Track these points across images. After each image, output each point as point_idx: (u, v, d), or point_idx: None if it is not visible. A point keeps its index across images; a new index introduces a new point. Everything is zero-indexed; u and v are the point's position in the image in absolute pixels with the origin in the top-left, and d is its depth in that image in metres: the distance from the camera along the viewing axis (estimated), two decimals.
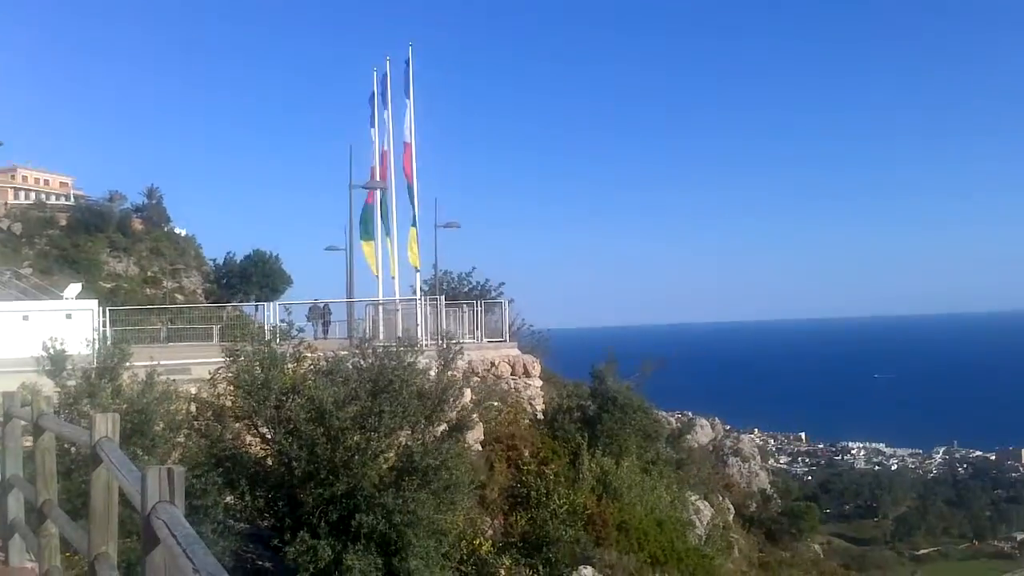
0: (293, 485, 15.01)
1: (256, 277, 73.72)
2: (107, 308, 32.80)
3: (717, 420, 63.68)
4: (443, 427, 16.51)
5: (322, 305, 42.64)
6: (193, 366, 21.53)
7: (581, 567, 21.76)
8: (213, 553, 4.17)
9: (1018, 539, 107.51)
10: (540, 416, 31.65)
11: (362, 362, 16.45)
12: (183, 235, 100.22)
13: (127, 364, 14.26)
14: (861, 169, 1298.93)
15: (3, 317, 31.02)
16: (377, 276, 40.14)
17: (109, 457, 6.56)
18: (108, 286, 75.05)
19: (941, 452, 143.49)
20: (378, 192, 40.11)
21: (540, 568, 21.46)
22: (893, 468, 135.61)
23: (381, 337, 30.57)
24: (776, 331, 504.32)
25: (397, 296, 37.48)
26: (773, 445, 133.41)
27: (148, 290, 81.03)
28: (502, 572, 20.07)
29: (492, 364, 31.35)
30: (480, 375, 29.48)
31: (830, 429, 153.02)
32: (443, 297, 35.18)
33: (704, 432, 58.06)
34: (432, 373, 16.95)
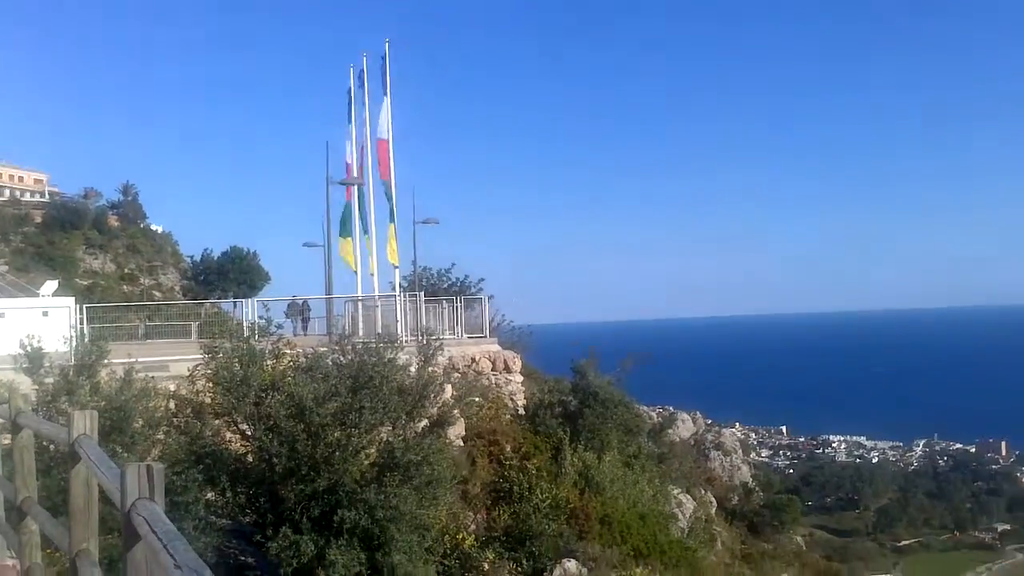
0: (274, 481, 14.97)
1: (234, 274, 73.34)
2: (84, 305, 32.53)
3: (699, 414, 63.69)
4: (424, 423, 16.50)
5: (301, 302, 42.55)
6: (172, 363, 21.42)
7: (564, 560, 21.76)
8: (195, 549, 4.12)
9: (998, 530, 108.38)
10: (522, 411, 31.67)
11: (342, 358, 16.42)
12: (160, 232, 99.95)
13: (105, 361, 14.21)
14: (860, 159, 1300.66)
15: None
16: (356, 273, 40.09)
17: (88, 454, 6.50)
18: (85, 283, 74.70)
19: (922, 445, 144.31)
20: (355, 189, 40.03)
21: (523, 562, 21.47)
22: (874, 461, 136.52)
23: (361, 334, 30.50)
24: (768, 326, 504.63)
25: (376, 292, 37.41)
26: (755, 439, 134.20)
27: (125, 287, 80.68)
28: (485, 566, 20.07)
29: (473, 360, 31.34)
30: (461, 371, 29.46)
31: (811, 423, 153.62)
32: (423, 293, 35.12)
33: (686, 426, 58.08)
34: (412, 369, 16.93)
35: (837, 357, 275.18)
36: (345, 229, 40.68)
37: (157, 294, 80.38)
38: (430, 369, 17.21)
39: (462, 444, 23.80)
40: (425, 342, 18.00)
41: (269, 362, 16.21)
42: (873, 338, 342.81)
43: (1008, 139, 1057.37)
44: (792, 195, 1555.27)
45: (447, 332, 32.93)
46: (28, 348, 13.84)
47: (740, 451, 63.84)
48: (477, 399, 26.51)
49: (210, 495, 14.79)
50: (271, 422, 14.68)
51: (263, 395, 15.12)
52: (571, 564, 21.73)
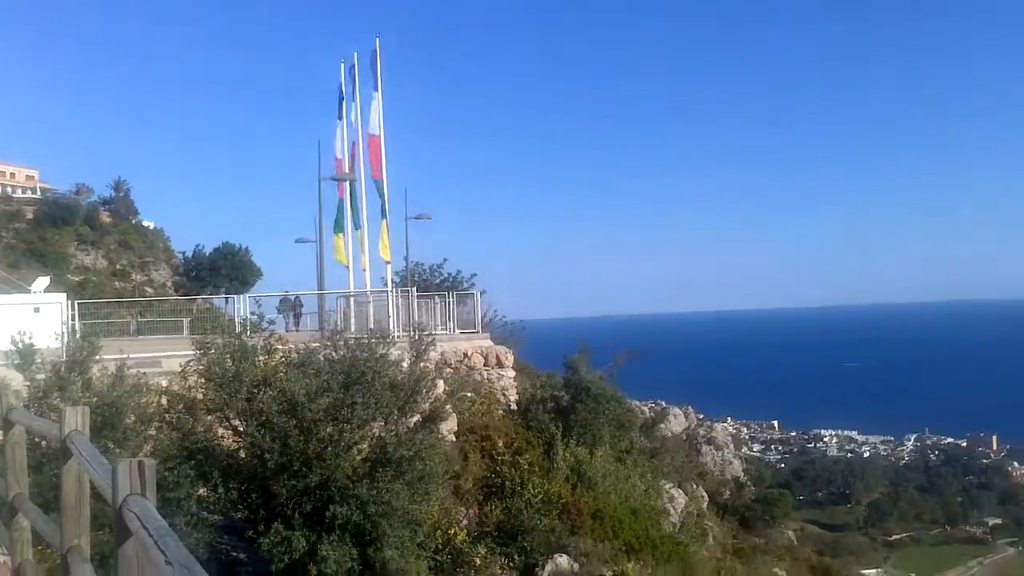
0: (266, 477, 14.96)
1: (226, 270, 73.18)
2: (76, 301, 32.43)
3: (690, 409, 63.78)
4: (416, 418, 16.50)
5: (293, 297, 42.54)
6: (163, 359, 21.39)
7: (556, 556, 21.77)
8: (186, 545, 4.14)
9: (989, 524, 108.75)
10: (514, 407, 31.66)
11: (334, 354, 16.41)
12: (151, 228, 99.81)
13: (97, 357, 14.19)
14: (859, 156, 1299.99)
15: None
16: (348, 268, 40.11)
17: (80, 450, 6.50)
18: (76, 279, 74.61)
19: (913, 439, 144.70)
20: (347, 185, 40.03)
21: (515, 557, 21.47)
22: (865, 455, 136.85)
23: (353, 329, 30.50)
24: (767, 320, 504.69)
25: (368, 288, 37.40)
26: (746, 433, 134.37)
27: (117, 283, 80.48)
28: (477, 561, 20.09)
29: (465, 355, 31.33)
30: (453, 366, 29.43)
31: (802, 417, 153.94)
32: (415, 289, 35.11)
33: (677, 421, 58.14)
34: (404, 364, 16.92)
35: (827, 352, 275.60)
36: (338, 225, 40.73)
37: (149, 290, 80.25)
38: (422, 364, 17.20)
39: (454, 439, 23.80)
40: (417, 337, 17.99)
41: (261, 358, 16.21)
42: (869, 332, 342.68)
43: (1008, 137, 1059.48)
44: (790, 192, 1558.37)
45: (439, 327, 32.95)
46: (20, 344, 13.83)
47: (732, 446, 63.98)
48: (469, 394, 26.48)
49: (202, 491, 14.78)
50: (263, 418, 14.68)
51: (255, 391, 15.12)
52: (563, 559, 21.75)
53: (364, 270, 39.18)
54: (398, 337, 23.01)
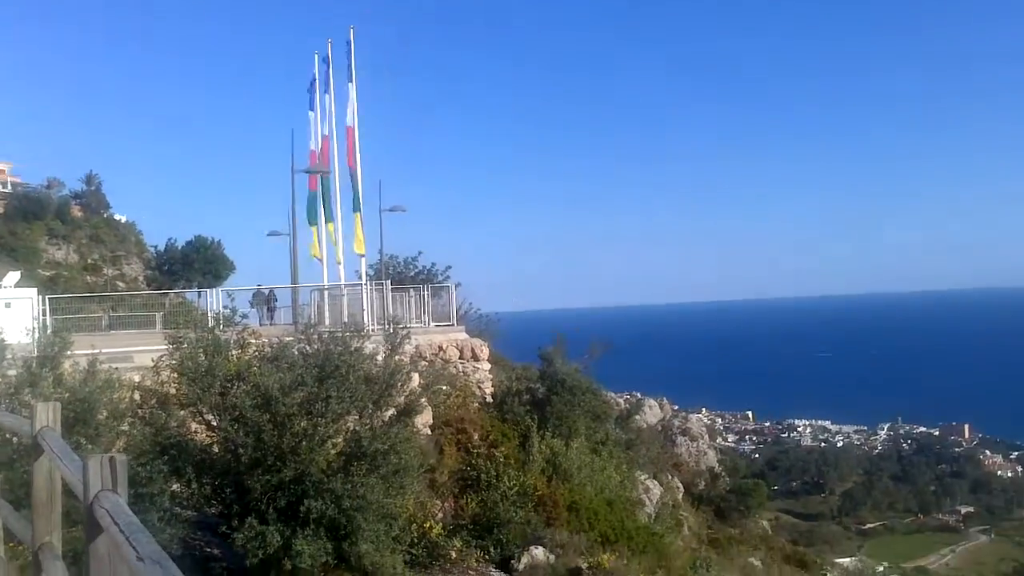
0: (240, 472, 14.89)
1: (198, 263, 72.78)
2: (47, 296, 32.28)
3: (665, 400, 64.02)
4: (391, 412, 16.46)
5: (266, 291, 42.36)
6: (136, 354, 21.27)
7: (532, 547, 21.79)
8: (159, 541, 4.11)
9: (962, 512, 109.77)
10: (489, 399, 31.67)
11: (308, 348, 16.35)
12: (123, 222, 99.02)
13: (68, 353, 14.08)
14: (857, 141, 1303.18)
15: None
16: (322, 261, 39.99)
17: (51, 447, 6.46)
18: (47, 274, 74.00)
19: (886, 428, 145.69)
20: (320, 177, 39.89)
21: (491, 549, 21.49)
22: (839, 445, 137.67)
23: (327, 322, 30.43)
24: (766, 311, 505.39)
25: (342, 281, 37.30)
26: (721, 424, 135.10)
27: (88, 278, 79.93)
28: (453, 554, 20.09)
29: (440, 348, 31.31)
30: (428, 359, 29.41)
31: (776, 408, 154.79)
32: (389, 282, 35.05)
33: (653, 412, 58.27)
34: (379, 358, 16.88)
35: (802, 342, 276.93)
36: (311, 218, 40.58)
37: (121, 284, 79.64)
38: (397, 358, 17.17)
39: (429, 432, 23.80)
40: (392, 331, 17.96)
41: (234, 352, 16.12)
42: (852, 323, 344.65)
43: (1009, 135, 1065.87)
44: (785, 180, 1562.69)
45: (414, 320, 32.90)
46: None
47: (706, 436, 64.21)
48: (444, 387, 26.43)
49: (175, 486, 14.71)
50: (237, 412, 14.60)
51: (228, 385, 15.05)
52: (539, 551, 21.77)
53: (339, 263, 39.13)
54: (373, 330, 22.93)
